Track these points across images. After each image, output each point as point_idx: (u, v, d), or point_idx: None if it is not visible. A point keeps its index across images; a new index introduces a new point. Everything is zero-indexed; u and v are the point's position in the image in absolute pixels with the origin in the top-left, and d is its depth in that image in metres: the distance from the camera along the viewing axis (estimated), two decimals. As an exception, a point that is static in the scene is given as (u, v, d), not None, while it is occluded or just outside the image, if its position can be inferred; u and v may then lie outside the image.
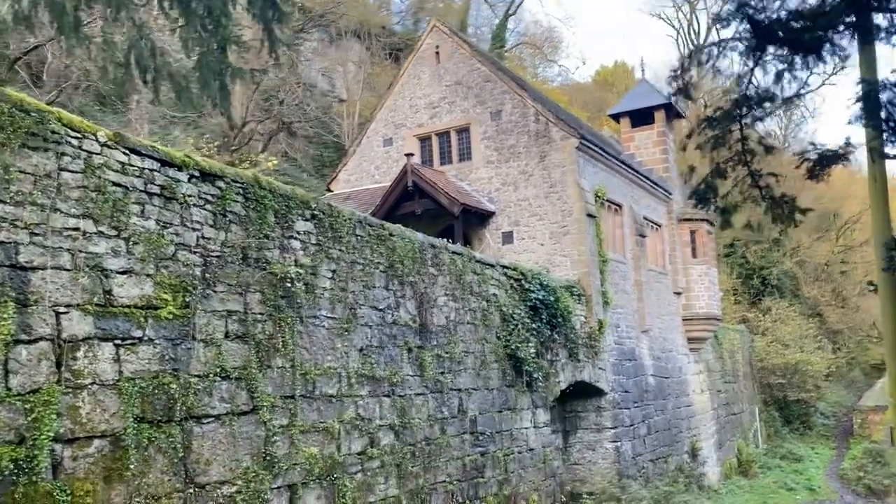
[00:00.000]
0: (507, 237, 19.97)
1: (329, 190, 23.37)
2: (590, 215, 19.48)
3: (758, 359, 38.01)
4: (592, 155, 20.58)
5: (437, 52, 21.88)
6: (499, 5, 54.04)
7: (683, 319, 26.48)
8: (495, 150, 20.58)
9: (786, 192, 9.59)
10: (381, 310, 11.39)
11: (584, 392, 18.67)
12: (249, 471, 8.64)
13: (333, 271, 10.54)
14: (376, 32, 45.31)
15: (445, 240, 13.93)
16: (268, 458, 8.90)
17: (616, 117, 28.05)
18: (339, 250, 10.72)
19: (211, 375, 8.38)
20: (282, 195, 9.85)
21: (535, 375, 15.11)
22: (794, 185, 50.28)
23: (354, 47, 46.59)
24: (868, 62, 8.98)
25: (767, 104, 9.26)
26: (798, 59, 8.62)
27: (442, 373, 12.54)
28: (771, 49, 8.60)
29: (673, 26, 63.25)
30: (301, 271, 9.86)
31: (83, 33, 10.38)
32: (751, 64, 9.06)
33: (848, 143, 9.01)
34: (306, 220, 10.21)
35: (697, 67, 9.72)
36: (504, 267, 15.29)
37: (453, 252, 13.53)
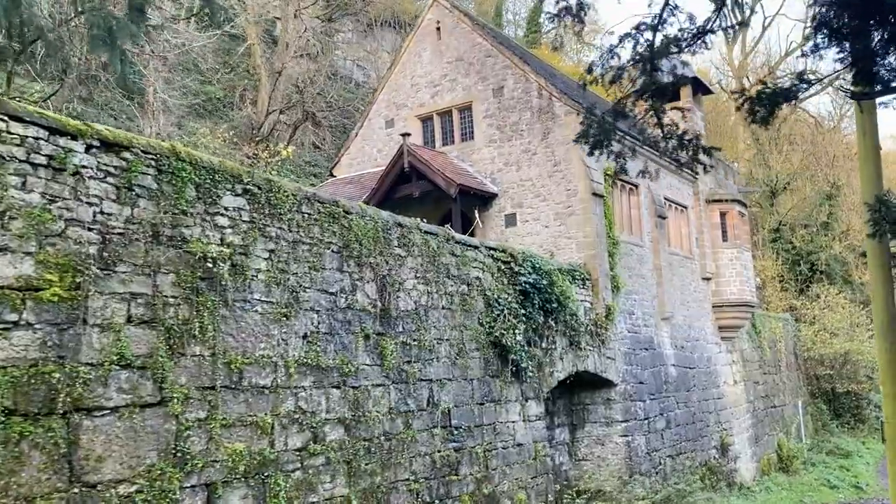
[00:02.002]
0: (510, 219, 18.85)
1: (332, 175, 22.60)
2: (597, 195, 18.20)
3: (804, 349, 35.88)
4: (602, 131, 19.22)
5: (438, 28, 20.81)
6: (536, -12, 52.63)
7: (713, 307, 24.91)
8: (497, 128, 19.46)
9: (687, 129, 8.26)
10: (332, 293, 10.49)
11: (591, 383, 17.49)
12: (154, 468, 7.85)
13: (271, 251, 9.69)
14: (409, 21, 44.56)
15: (428, 223, 12.98)
16: (179, 454, 8.10)
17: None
18: (279, 228, 9.85)
19: (107, 364, 7.61)
20: (205, 168, 9.03)
21: (524, 365, 14.00)
22: (849, 165, 47.15)
23: (388, 37, 46.21)
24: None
25: (708, 38, 8.00)
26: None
27: (408, 362, 11.58)
28: None
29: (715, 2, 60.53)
30: (227, 250, 9.03)
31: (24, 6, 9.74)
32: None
33: (802, 79, 7.55)
34: (237, 195, 9.37)
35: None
36: (490, 249, 14.23)
37: (426, 232, 12.54)
